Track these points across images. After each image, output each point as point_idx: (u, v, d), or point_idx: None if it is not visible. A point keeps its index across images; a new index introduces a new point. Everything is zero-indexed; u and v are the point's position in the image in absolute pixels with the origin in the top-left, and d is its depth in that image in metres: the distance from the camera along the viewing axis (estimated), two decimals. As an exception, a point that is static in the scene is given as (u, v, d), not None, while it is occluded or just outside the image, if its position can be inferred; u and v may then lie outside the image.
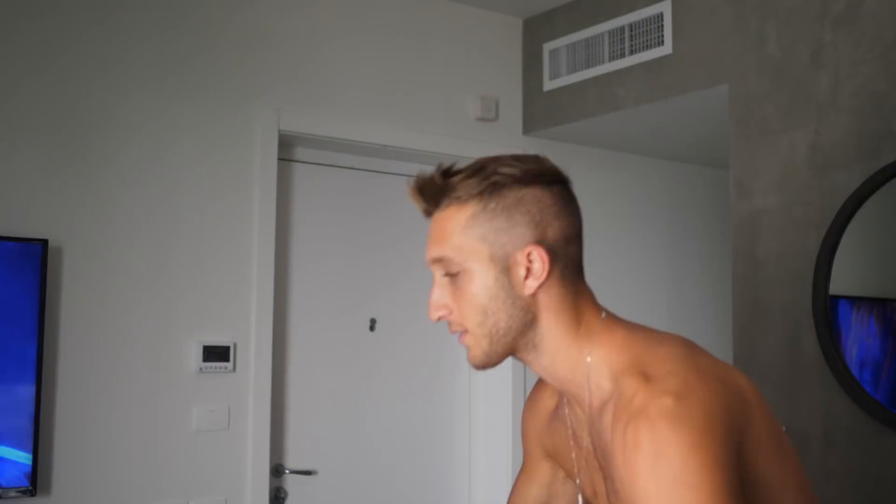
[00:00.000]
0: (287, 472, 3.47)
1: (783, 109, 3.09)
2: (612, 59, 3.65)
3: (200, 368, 3.17)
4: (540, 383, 1.53)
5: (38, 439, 2.81)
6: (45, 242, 2.88)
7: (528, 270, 1.30)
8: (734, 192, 3.22)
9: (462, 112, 3.87)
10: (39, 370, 2.82)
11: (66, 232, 2.99)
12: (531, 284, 1.30)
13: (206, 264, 3.24)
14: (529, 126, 3.99)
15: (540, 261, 1.30)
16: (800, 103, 3.04)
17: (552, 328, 1.32)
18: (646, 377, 1.23)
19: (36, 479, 2.80)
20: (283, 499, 3.47)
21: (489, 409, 3.90)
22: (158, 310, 3.14)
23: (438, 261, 1.33)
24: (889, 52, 2.81)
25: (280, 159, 3.47)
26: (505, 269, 1.30)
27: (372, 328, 3.74)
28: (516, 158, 1.34)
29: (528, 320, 1.31)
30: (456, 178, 1.32)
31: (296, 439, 3.52)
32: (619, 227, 4.20)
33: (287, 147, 3.56)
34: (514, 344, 1.33)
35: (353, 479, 3.63)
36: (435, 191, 1.34)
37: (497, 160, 1.33)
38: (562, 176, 1.36)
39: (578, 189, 1.41)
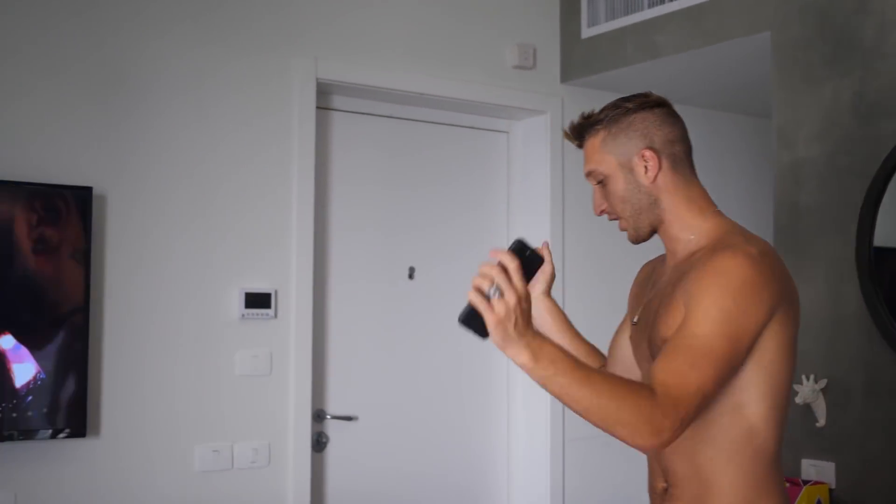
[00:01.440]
0: (328, 417, 3.53)
1: (827, 57, 3.05)
2: (651, 5, 3.61)
3: (243, 315, 3.21)
4: (644, 265, 2.08)
5: (85, 384, 2.86)
6: (90, 189, 2.91)
7: (646, 167, 1.84)
8: (777, 142, 3.19)
9: (499, 60, 3.85)
10: (87, 314, 2.87)
11: (110, 180, 3.02)
12: (650, 175, 1.84)
13: (247, 212, 3.27)
14: (567, 74, 3.97)
15: (652, 158, 1.84)
16: (844, 51, 3.01)
17: (671, 204, 1.85)
18: (747, 239, 1.77)
19: (85, 422, 2.86)
20: (325, 443, 3.52)
21: (526, 356, 3.92)
22: (200, 257, 3.17)
23: (590, 174, 1.89)
24: (938, -2, 2.77)
25: (318, 108, 3.47)
26: (630, 169, 1.85)
27: (411, 276, 3.76)
28: (627, 98, 1.89)
29: (652, 201, 1.85)
30: (590, 119, 1.89)
31: (336, 385, 3.56)
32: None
33: (325, 95, 3.56)
34: (649, 220, 1.86)
35: (393, 425, 3.68)
36: (579, 130, 1.91)
37: (615, 101, 1.88)
38: (661, 101, 1.89)
39: None
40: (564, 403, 1.60)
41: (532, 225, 3.96)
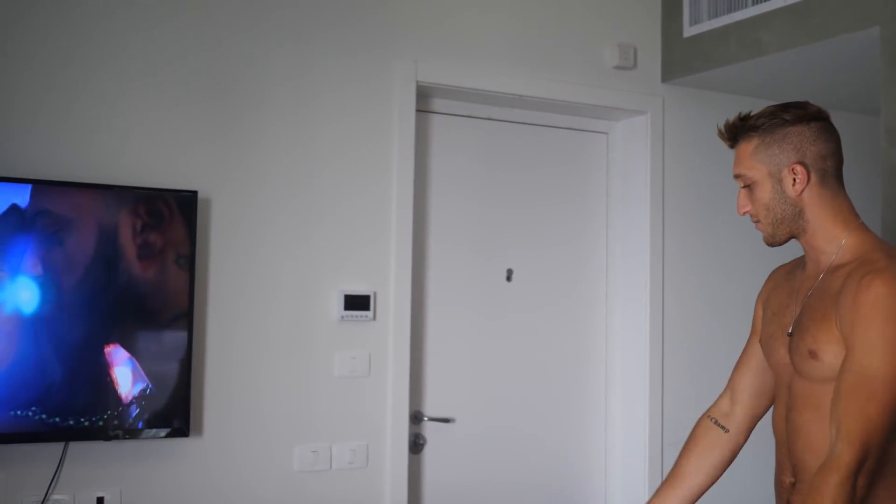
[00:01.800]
0: (426, 419, 3.55)
1: (940, 52, 2.94)
2: (755, 2, 3.53)
3: (342, 317, 3.25)
4: (777, 268, 2.20)
5: (188, 384, 2.93)
6: (194, 194, 2.98)
7: (794, 180, 1.94)
8: (885, 139, 3.09)
9: (599, 60, 3.81)
10: (191, 317, 2.94)
11: (213, 183, 3.09)
12: (797, 189, 1.95)
13: (347, 215, 3.31)
14: (668, 73, 3.91)
15: (801, 173, 1.94)
16: (958, 45, 2.89)
17: (815, 216, 1.96)
18: (890, 256, 1.88)
19: (189, 422, 2.94)
20: (423, 445, 3.54)
21: (626, 357, 3.88)
22: (301, 260, 3.23)
23: (738, 176, 2.00)
24: None
25: (418, 110, 3.50)
26: (778, 180, 1.96)
27: (509, 279, 3.76)
28: (785, 107, 1.97)
29: (796, 212, 1.96)
30: (747, 123, 1.99)
31: (434, 387, 3.58)
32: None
33: (424, 98, 3.59)
34: (790, 229, 1.97)
35: (489, 428, 3.68)
36: (734, 131, 2.02)
37: (773, 109, 1.97)
38: (820, 114, 1.97)
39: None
40: None
41: (631, 227, 3.91)
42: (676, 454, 2.31)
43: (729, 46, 3.65)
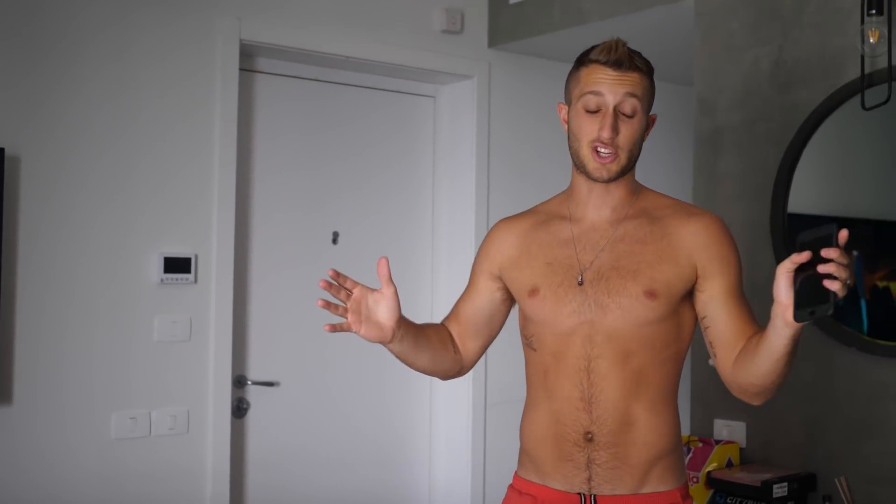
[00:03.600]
0: (249, 382, 3.50)
1: (748, 25, 3.08)
2: (579, -29, 3.60)
3: (161, 280, 3.16)
4: (504, 222, 2.17)
5: (-2, 349, 2.81)
6: (1, 151, 2.83)
7: (649, 128, 1.98)
8: (697, 109, 3.22)
9: (427, 24, 3.82)
10: (-2, 280, 2.81)
11: (24, 141, 2.95)
12: (646, 136, 1.98)
13: (167, 175, 3.21)
14: (495, 39, 3.95)
15: (652, 124, 1.99)
16: (765, 19, 3.03)
17: (635, 166, 1.99)
18: (682, 202, 2.05)
19: (-4, 389, 2.81)
20: (246, 409, 3.50)
21: (451, 322, 3.93)
22: (118, 221, 3.12)
23: (632, 96, 1.90)
24: (855, -32, 2.79)
25: (242, 69, 3.42)
26: (646, 122, 1.96)
27: (335, 241, 3.74)
28: (644, 58, 1.96)
29: (637, 157, 1.97)
30: (635, 60, 1.92)
31: (258, 351, 3.54)
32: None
33: (249, 57, 3.51)
34: (630, 169, 1.96)
35: (315, 391, 3.66)
36: (625, 58, 1.90)
37: (644, 57, 1.95)
38: None
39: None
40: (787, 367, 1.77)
41: (457, 189, 3.95)
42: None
43: (552, 14, 3.71)
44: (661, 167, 4.32)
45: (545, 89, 4.00)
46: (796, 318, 1.59)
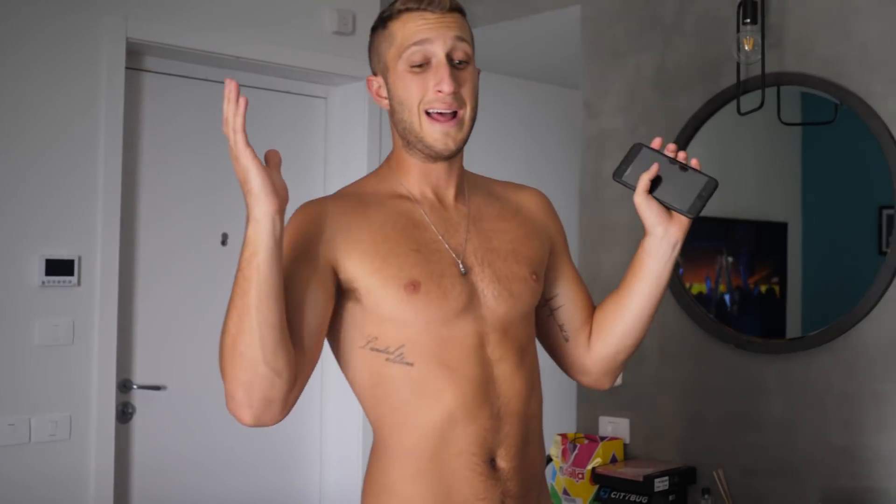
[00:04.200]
0: (135, 387, 3.44)
1: (632, 32, 3.15)
2: (468, -25, 3.64)
3: (43, 282, 3.09)
4: (324, 201, 1.67)
5: None
6: None
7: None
8: (584, 113, 3.28)
9: (318, 25, 3.81)
10: None
11: None
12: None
13: (50, 176, 3.14)
14: (386, 41, 3.96)
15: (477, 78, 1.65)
16: (647, 26, 3.11)
17: None
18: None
19: None
20: (131, 414, 3.44)
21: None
22: (-3, 222, 3.04)
23: (462, 40, 1.59)
24: (731, -23, 2.89)
25: (128, 68, 3.37)
26: (477, 75, 1.63)
27: (224, 243, 3.70)
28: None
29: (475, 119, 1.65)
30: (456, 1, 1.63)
31: (144, 354, 3.48)
32: (470, 142, 4.22)
33: (136, 56, 3.45)
34: (469, 133, 1.63)
35: (203, 395, 3.61)
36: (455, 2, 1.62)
37: None
38: None
39: None
40: None
41: (349, 192, 3.95)
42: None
43: (443, 17, 3.74)
44: (549, 168, 4.40)
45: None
46: (690, 211, 1.57)
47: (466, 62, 1.59)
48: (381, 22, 1.63)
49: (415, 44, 1.57)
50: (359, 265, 1.55)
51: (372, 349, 1.58)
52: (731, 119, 2.86)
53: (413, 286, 1.55)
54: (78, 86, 3.21)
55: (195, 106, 3.65)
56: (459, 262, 1.61)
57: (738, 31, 2.79)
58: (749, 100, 2.80)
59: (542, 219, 1.77)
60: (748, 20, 2.76)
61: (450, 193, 1.68)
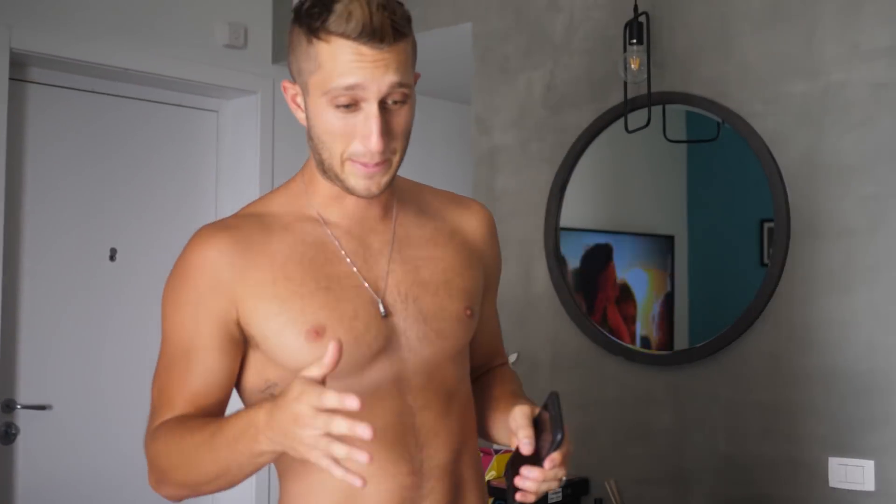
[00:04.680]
0: (18, 406, 3.34)
1: (522, 49, 3.21)
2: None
3: (-80, 300, 2.98)
4: (219, 231, 1.44)
5: None
6: None
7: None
8: (475, 128, 3.32)
9: (209, 38, 3.77)
10: None
11: None
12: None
13: (-74, 189, 3.03)
14: (279, 55, 3.94)
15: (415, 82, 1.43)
16: (537, 44, 3.17)
17: None
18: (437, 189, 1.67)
19: None
20: (15, 435, 3.33)
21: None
22: None
23: (401, 86, 1.35)
24: (618, -2, 2.97)
25: (12, 79, 3.28)
26: (414, 100, 1.41)
27: (112, 258, 3.62)
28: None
29: None
30: (398, 18, 1.36)
31: (28, 373, 3.37)
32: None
33: (20, 67, 3.36)
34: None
35: (89, 414, 3.53)
36: (391, 24, 1.34)
37: (396, 2, 1.38)
38: None
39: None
40: None
41: (241, 205, 3.89)
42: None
43: (337, 32, 3.74)
44: (443, 183, 4.42)
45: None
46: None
47: (403, 102, 1.37)
48: (307, 31, 1.35)
49: (344, 87, 1.33)
50: (254, 311, 1.39)
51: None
52: (620, 136, 2.93)
53: (316, 332, 1.37)
54: (-42, 97, 3.11)
55: (82, 118, 3.57)
56: (379, 300, 1.42)
57: (624, 50, 2.86)
58: (636, 117, 2.88)
59: (481, 244, 1.58)
60: (634, 40, 2.84)
61: (371, 214, 1.48)
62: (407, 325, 1.43)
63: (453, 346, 1.47)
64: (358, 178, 1.38)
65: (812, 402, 2.59)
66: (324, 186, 1.45)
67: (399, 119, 1.37)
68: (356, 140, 1.35)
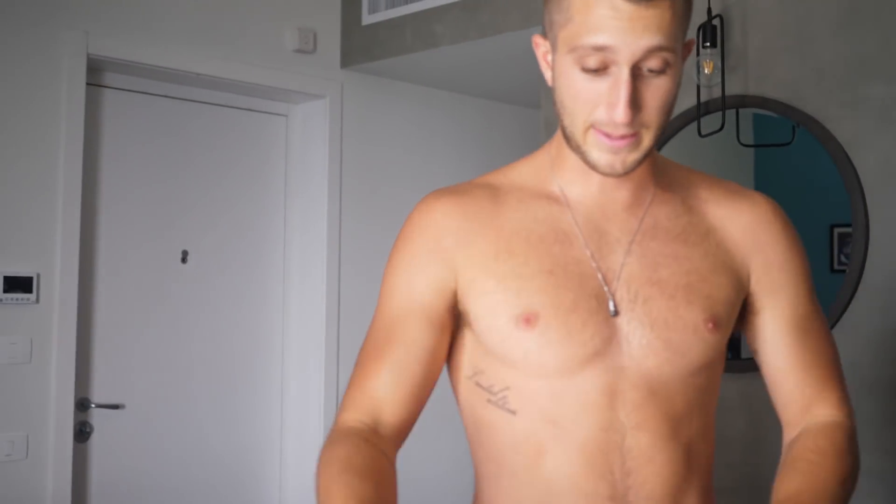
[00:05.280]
0: (93, 405, 3.40)
1: (593, 53, 3.19)
2: (431, -5, 3.67)
3: (0, 299, 3.04)
4: (447, 197, 1.34)
5: None
6: None
7: (684, 59, 1.24)
8: (544, 132, 3.32)
9: (279, 43, 3.81)
10: None
11: None
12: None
13: (9, 192, 3.10)
14: (347, 59, 3.97)
15: (689, 53, 1.25)
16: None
17: None
18: (720, 179, 1.45)
19: None
20: (89, 433, 3.39)
21: (302, 343, 3.91)
22: (-46, 238, 3.00)
23: (659, 50, 1.16)
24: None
25: (89, 84, 3.34)
26: (681, 71, 1.23)
27: (184, 260, 3.67)
28: None
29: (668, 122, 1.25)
30: None
31: (103, 373, 3.43)
32: (429, 161, 4.25)
33: (96, 72, 3.43)
34: (654, 147, 1.25)
35: (161, 414, 3.58)
36: None
37: None
38: None
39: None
40: None
41: (309, 208, 3.95)
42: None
43: (405, 36, 3.76)
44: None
45: (398, 110, 4.06)
46: None
47: (662, 70, 1.19)
48: None
49: (592, 47, 1.17)
50: (472, 283, 1.27)
51: (476, 384, 1.30)
52: (692, 140, 2.90)
53: (527, 319, 1.23)
54: (38, 102, 3.18)
55: (156, 122, 3.63)
56: (610, 295, 1.26)
57: (697, 54, 2.84)
58: (709, 121, 2.85)
59: (747, 245, 1.34)
60: (708, 44, 2.81)
61: (619, 197, 1.30)
62: (631, 329, 1.25)
63: (687, 364, 1.25)
64: (601, 152, 1.21)
65: (891, 412, 2.54)
66: (570, 159, 1.29)
67: (655, 90, 1.19)
68: (601, 108, 1.19)
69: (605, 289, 1.25)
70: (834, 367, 1.35)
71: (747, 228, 1.35)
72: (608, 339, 1.24)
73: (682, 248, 1.29)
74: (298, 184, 3.99)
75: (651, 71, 1.17)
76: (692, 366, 1.26)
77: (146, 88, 3.60)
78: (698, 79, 2.83)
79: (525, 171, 1.36)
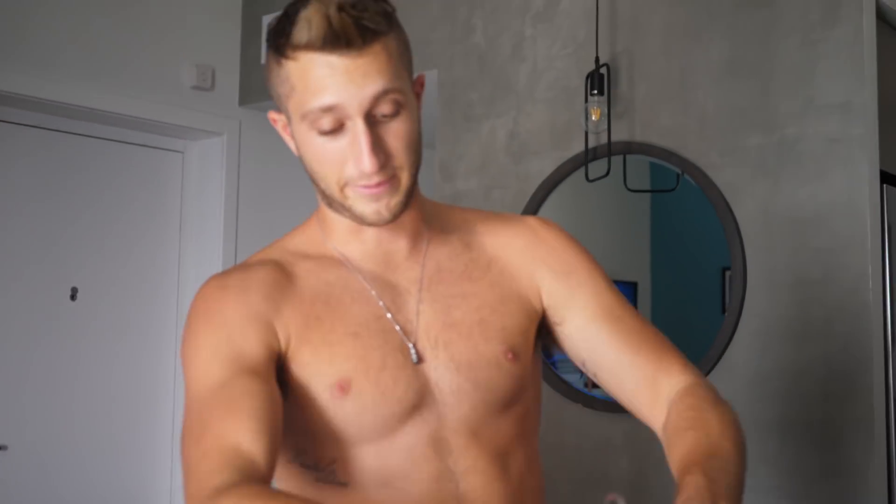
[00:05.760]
0: (-26, 447, 3.31)
1: (486, 97, 3.25)
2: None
3: None
4: (230, 277, 1.28)
5: None
6: None
7: (419, 96, 1.25)
8: (438, 174, 3.35)
9: (177, 79, 3.79)
10: None
11: None
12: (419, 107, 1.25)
13: None
14: (246, 97, 3.97)
15: (422, 91, 1.26)
16: (501, 92, 3.21)
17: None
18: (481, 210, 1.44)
19: None
20: (-31, 476, 3.30)
21: (196, 381, 3.86)
22: None
23: (385, 94, 1.16)
24: (580, 49, 3.02)
25: (-26, 117, 3.28)
26: (417, 108, 1.24)
27: (73, 297, 3.61)
28: None
29: (421, 161, 1.24)
30: (370, 10, 1.16)
31: (-15, 413, 3.35)
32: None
33: (-17, 105, 3.37)
34: (415, 184, 1.24)
35: (47, 455, 3.49)
36: (359, 25, 1.15)
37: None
38: None
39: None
40: None
41: (205, 247, 3.91)
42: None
43: (303, 76, 3.77)
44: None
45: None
46: None
47: (396, 112, 1.18)
48: (275, 50, 1.19)
49: (321, 109, 1.16)
50: (291, 355, 1.22)
51: (301, 465, 1.24)
52: (581, 184, 2.97)
53: (341, 387, 1.20)
54: (-79, 135, 3.10)
55: (48, 158, 3.57)
56: (410, 345, 1.25)
57: (586, 101, 2.91)
58: (597, 167, 2.92)
59: (524, 263, 1.34)
60: (595, 91, 2.89)
61: (398, 248, 1.30)
62: (439, 376, 1.24)
63: (497, 398, 1.25)
64: (364, 202, 1.20)
65: (765, 451, 2.61)
66: (338, 221, 1.28)
67: (396, 132, 1.18)
68: (349, 166, 1.18)
69: (405, 340, 1.24)
70: (662, 340, 1.33)
71: (525, 249, 1.34)
72: (421, 391, 1.22)
73: (468, 285, 1.29)
74: (194, 221, 3.96)
75: (385, 116, 1.17)
76: (504, 400, 1.26)
77: (40, 122, 3.55)
78: (586, 125, 2.90)
79: (299, 242, 1.33)
